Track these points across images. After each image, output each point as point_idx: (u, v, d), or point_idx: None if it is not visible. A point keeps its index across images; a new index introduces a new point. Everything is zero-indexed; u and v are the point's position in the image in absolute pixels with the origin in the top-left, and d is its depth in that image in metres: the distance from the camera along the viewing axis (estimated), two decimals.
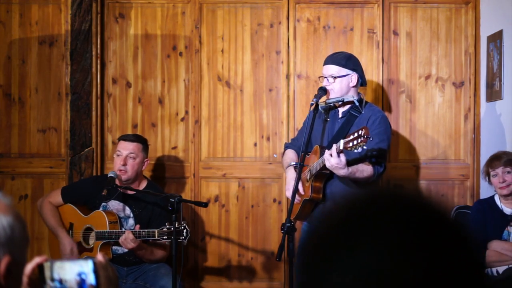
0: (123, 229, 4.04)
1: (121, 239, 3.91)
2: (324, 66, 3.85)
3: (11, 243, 1.44)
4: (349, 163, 3.50)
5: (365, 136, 3.20)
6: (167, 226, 3.84)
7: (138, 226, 3.98)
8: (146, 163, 4.30)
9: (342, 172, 3.46)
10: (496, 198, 4.09)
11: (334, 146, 3.41)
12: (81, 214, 4.18)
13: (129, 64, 4.95)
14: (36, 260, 1.50)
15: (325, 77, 3.80)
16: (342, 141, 3.33)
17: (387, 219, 0.87)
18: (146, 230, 3.91)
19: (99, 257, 1.55)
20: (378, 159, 3.54)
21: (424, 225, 0.87)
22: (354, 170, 3.53)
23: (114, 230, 4.01)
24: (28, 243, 1.52)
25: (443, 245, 0.86)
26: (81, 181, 4.55)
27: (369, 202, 0.92)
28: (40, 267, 1.49)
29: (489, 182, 4.07)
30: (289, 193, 3.76)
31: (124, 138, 4.28)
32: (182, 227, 3.79)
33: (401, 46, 4.91)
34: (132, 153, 4.19)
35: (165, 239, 3.86)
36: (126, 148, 4.20)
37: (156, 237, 3.86)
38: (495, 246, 3.94)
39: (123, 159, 4.16)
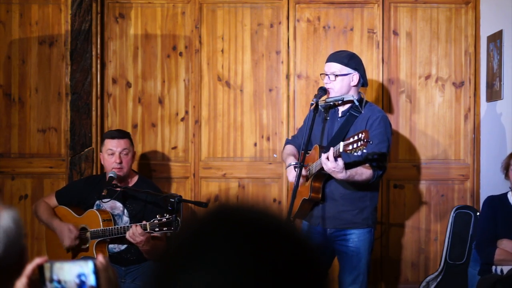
0: (117, 226, 4.03)
1: (128, 234, 3.86)
2: (326, 63, 3.84)
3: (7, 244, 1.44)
4: (349, 165, 3.49)
5: (365, 140, 3.20)
6: (158, 218, 3.82)
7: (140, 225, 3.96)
8: (134, 156, 4.32)
9: (340, 175, 3.45)
10: (509, 195, 4.05)
11: (331, 149, 3.39)
12: (75, 215, 4.17)
13: (129, 64, 4.95)
14: (36, 261, 1.50)
15: (327, 75, 3.79)
16: (341, 144, 3.33)
17: (219, 238, 0.90)
18: (137, 224, 3.89)
19: (100, 258, 1.55)
20: (379, 162, 3.54)
21: (258, 241, 0.89)
22: (353, 174, 3.52)
23: (108, 228, 4.00)
24: (21, 250, 1.52)
25: (278, 258, 0.88)
26: (74, 183, 4.54)
27: (203, 223, 0.95)
28: (40, 268, 1.49)
29: (506, 176, 4.02)
30: (291, 177, 3.76)
31: (112, 136, 4.22)
32: (173, 218, 3.77)
33: (401, 46, 4.91)
34: (125, 149, 4.17)
35: (157, 231, 3.83)
36: (119, 145, 4.16)
37: (148, 230, 3.84)
38: (505, 245, 3.92)
39: (118, 157, 4.14)
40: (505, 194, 4.08)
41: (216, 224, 0.94)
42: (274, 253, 0.89)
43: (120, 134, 4.24)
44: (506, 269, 3.90)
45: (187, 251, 0.91)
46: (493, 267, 3.94)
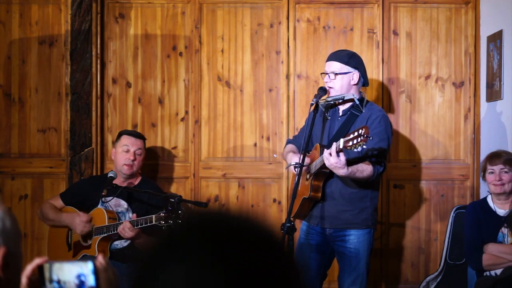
0: (121, 221, 4.04)
1: (119, 229, 3.92)
2: (327, 62, 3.84)
3: (3, 235, 1.45)
4: (349, 162, 3.49)
5: (365, 135, 3.20)
6: (164, 211, 3.84)
7: (135, 215, 3.97)
8: (144, 159, 4.40)
9: (342, 172, 3.46)
10: (489, 199, 4.07)
11: (334, 145, 3.40)
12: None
13: (129, 64, 4.95)
14: (36, 261, 1.50)
15: (327, 73, 3.79)
16: (342, 140, 3.34)
17: (200, 241, 0.94)
18: (143, 217, 3.91)
19: (100, 258, 1.55)
20: (378, 158, 3.55)
21: (236, 246, 0.94)
22: (354, 170, 3.52)
23: (112, 224, 4.02)
24: (21, 237, 1.53)
25: (253, 264, 0.93)
26: (78, 183, 4.58)
27: (185, 226, 1.00)
28: (40, 268, 1.49)
29: (483, 178, 4.06)
30: (293, 160, 3.73)
31: (130, 133, 4.36)
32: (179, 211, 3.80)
33: (401, 46, 4.90)
34: (140, 149, 4.30)
35: (162, 224, 3.84)
36: (135, 144, 4.28)
37: (154, 222, 3.85)
38: (491, 249, 3.93)
39: (132, 154, 4.23)
40: (485, 199, 4.11)
41: (198, 227, 0.97)
42: (250, 258, 0.93)
43: (138, 134, 4.40)
44: (500, 272, 3.91)
45: (168, 249, 0.95)
46: (488, 273, 3.95)
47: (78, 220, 4.11)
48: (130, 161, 4.21)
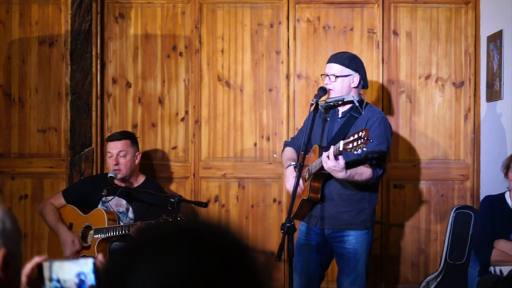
0: (121, 224, 4.05)
1: (132, 231, 3.90)
2: (327, 64, 3.83)
3: (3, 236, 1.45)
4: (348, 165, 3.49)
5: (365, 138, 3.20)
6: (164, 217, 3.84)
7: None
8: (138, 157, 4.34)
9: (340, 175, 3.45)
10: (507, 195, 4.05)
11: (332, 148, 3.39)
12: (80, 213, 4.20)
13: (129, 64, 4.95)
14: (36, 259, 1.50)
15: (327, 75, 3.79)
16: (341, 142, 3.32)
17: (170, 244, 1.01)
18: (143, 222, 3.90)
19: (99, 257, 1.55)
20: (378, 161, 3.54)
21: (199, 250, 1.00)
22: (353, 173, 3.51)
23: (112, 226, 4.02)
24: (21, 237, 1.53)
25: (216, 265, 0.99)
26: (80, 181, 4.57)
27: (151, 233, 1.06)
28: (39, 267, 1.49)
29: (506, 176, 4.03)
30: (289, 185, 3.75)
31: (111, 138, 4.33)
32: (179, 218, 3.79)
33: (401, 46, 4.90)
34: (122, 151, 4.25)
35: None
36: (115, 147, 4.25)
37: None
38: (502, 246, 3.91)
39: (114, 159, 4.22)
40: (503, 194, 4.09)
41: (168, 233, 1.05)
42: (213, 259, 0.98)
43: (119, 136, 4.32)
44: (505, 269, 3.90)
45: (141, 251, 1.01)
46: (492, 268, 3.94)
47: (69, 247, 4.12)
48: (114, 166, 4.22)
